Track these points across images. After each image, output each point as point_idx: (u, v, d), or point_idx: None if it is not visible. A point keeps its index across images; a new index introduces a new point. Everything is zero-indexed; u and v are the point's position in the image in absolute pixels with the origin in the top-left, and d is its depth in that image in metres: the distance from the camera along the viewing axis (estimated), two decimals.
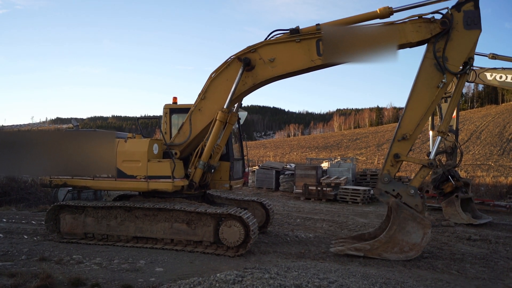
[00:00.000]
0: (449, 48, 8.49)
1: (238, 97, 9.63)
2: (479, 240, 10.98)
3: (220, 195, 11.77)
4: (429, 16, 8.57)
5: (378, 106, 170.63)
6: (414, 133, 8.86)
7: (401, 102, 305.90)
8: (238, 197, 11.64)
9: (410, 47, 8.98)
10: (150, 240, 9.36)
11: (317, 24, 8.94)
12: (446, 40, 8.45)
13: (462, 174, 27.44)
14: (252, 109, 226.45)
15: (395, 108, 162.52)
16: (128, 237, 9.48)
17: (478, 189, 22.88)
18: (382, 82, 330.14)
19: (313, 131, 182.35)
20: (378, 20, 8.86)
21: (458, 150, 15.03)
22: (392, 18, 8.80)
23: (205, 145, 9.48)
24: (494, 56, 13.93)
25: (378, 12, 8.83)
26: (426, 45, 8.81)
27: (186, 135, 9.75)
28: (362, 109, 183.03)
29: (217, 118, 9.33)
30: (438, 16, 8.56)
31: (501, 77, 14.06)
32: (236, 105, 10.25)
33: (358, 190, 19.46)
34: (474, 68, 14.37)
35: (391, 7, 8.74)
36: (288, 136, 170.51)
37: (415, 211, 8.60)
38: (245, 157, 11.84)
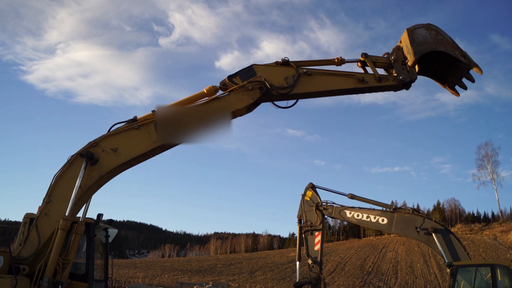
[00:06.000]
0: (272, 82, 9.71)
1: (86, 193, 9.16)
2: None
3: None
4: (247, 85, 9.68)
5: (254, 232, 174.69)
6: None
7: (275, 231, 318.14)
8: None
9: (240, 115, 9.92)
10: None
11: (153, 111, 9.56)
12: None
13: None
14: (127, 225, 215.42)
15: (270, 235, 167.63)
16: None
17: None
18: (259, 210, 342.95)
19: (189, 253, 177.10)
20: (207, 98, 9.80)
21: (322, 282, 15.80)
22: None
23: (48, 259, 8.53)
24: (352, 196, 15.73)
25: (205, 91, 9.84)
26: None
27: (34, 245, 8.76)
28: (239, 234, 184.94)
29: (59, 227, 8.61)
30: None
31: (358, 215, 15.70)
32: (84, 211, 9.54)
33: None
34: (335, 205, 15.95)
35: (216, 86, 9.80)
36: (163, 256, 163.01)
37: None
38: (109, 278, 10.95)
